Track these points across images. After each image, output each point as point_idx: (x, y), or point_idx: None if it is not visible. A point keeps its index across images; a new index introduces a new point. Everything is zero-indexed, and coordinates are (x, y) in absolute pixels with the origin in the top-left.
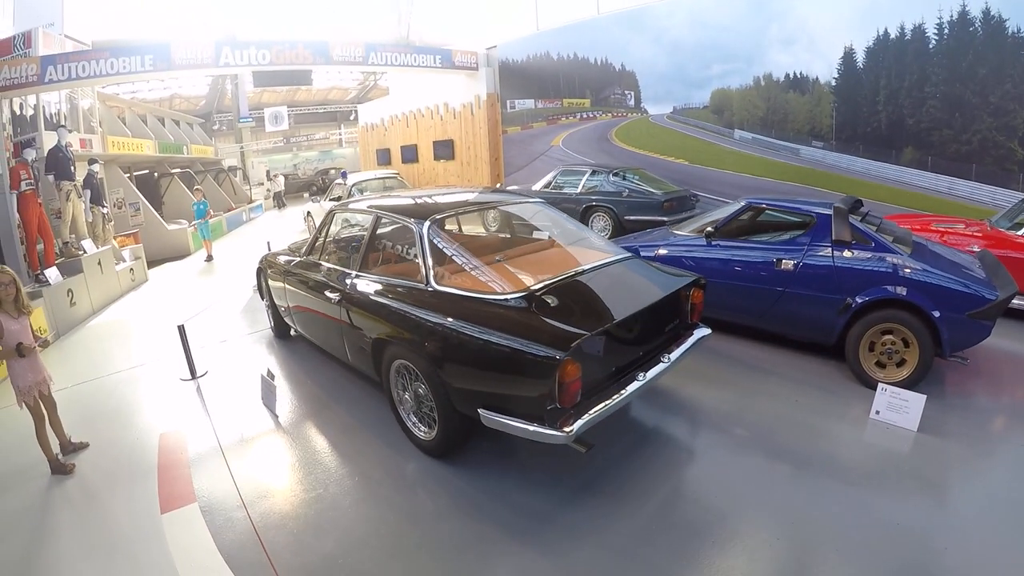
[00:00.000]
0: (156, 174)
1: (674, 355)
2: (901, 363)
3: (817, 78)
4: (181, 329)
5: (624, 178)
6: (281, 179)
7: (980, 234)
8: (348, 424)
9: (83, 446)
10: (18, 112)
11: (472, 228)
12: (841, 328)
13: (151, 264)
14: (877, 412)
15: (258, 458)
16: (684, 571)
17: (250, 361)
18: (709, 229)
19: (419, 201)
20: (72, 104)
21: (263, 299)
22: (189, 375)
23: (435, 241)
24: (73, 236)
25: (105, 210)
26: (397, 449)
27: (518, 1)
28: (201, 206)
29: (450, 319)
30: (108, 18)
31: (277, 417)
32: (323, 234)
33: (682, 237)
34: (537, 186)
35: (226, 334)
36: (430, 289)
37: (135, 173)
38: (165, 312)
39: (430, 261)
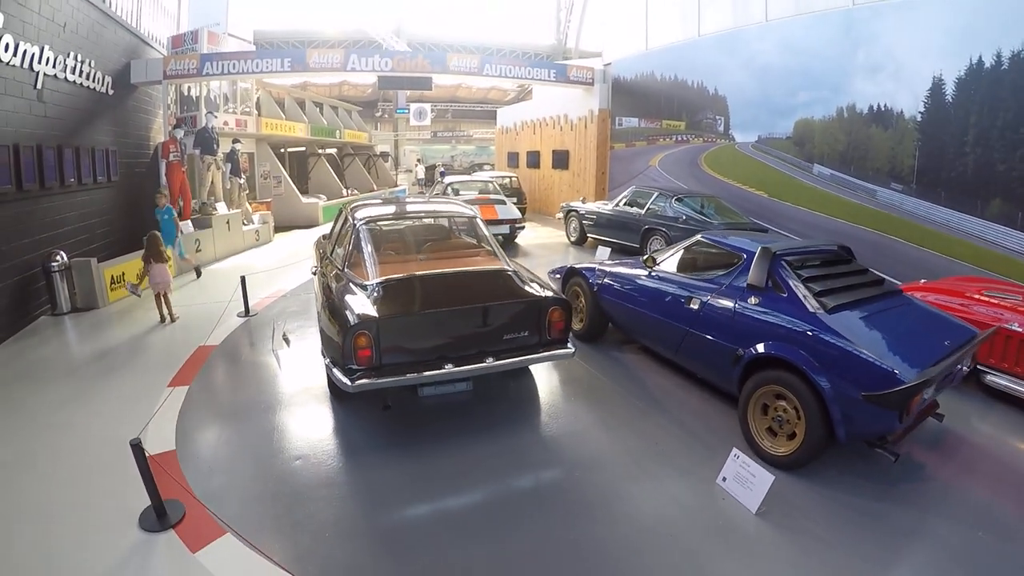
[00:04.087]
0: (308, 153)
1: (501, 361)
2: (793, 435)
3: (902, 112)
4: (242, 279)
5: (701, 209)
6: (443, 168)
7: None
8: (313, 367)
9: (176, 318)
10: (185, 93)
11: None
12: (738, 381)
13: (283, 229)
14: (724, 479)
15: (244, 369)
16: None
17: (290, 312)
18: (648, 257)
19: (377, 209)
20: (233, 89)
21: None
22: (245, 313)
23: (361, 237)
24: (212, 198)
25: (241, 180)
26: (323, 388)
27: (634, 21)
28: (165, 215)
29: (334, 293)
30: (271, 11)
31: (274, 352)
32: (337, 224)
33: (636, 265)
34: (611, 203)
35: (289, 290)
36: (342, 271)
37: (289, 150)
38: (267, 266)
39: (351, 251)
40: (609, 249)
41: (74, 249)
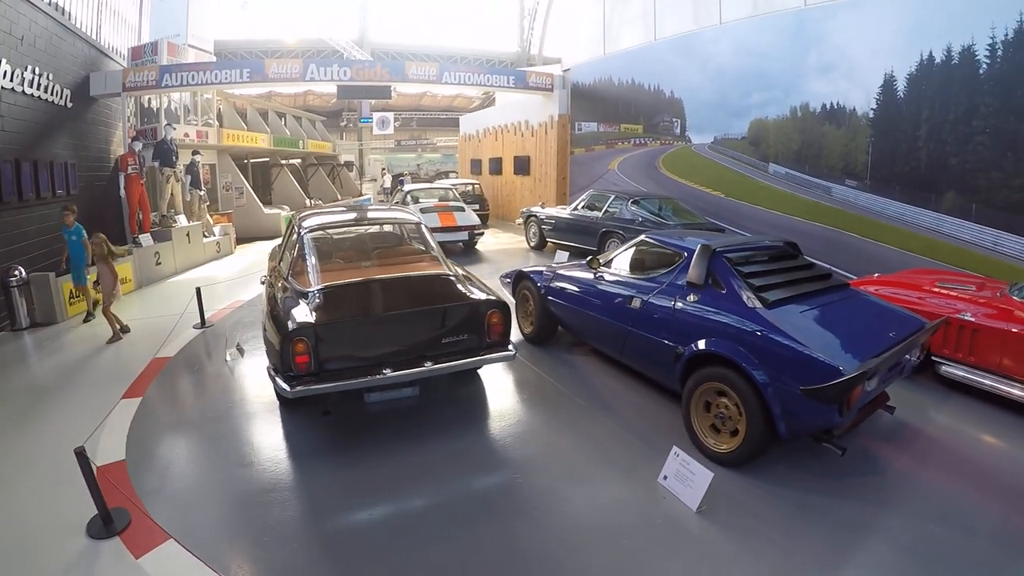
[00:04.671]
0: (271, 163)
1: (440, 364)
2: (736, 432)
3: (854, 109)
4: (198, 291)
5: (658, 211)
6: (403, 176)
7: (985, 299)
8: (265, 377)
9: (127, 329)
10: (145, 105)
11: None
12: (680, 378)
13: (246, 241)
14: (665, 477)
15: (198, 380)
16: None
17: (246, 322)
18: (592, 259)
19: (323, 217)
20: (194, 100)
21: None
22: (200, 324)
23: (304, 245)
24: (171, 211)
25: (202, 192)
26: (273, 396)
27: (593, 26)
28: (74, 235)
29: (277, 301)
30: (230, 23)
31: (228, 363)
32: (286, 234)
33: (582, 267)
34: (569, 207)
35: (246, 301)
36: (287, 280)
37: (253, 161)
38: (227, 277)
39: (295, 259)
40: (567, 253)
41: (33, 264)
